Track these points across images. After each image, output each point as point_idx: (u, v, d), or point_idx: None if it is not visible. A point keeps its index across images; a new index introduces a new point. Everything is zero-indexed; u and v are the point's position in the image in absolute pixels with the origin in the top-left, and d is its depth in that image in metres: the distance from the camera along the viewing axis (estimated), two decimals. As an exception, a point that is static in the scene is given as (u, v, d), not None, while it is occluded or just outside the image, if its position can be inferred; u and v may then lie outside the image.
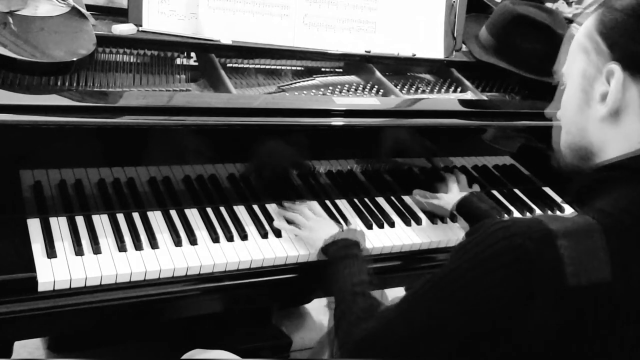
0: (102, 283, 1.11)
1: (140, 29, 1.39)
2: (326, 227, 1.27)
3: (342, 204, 1.46)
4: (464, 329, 0.75)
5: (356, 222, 1.40)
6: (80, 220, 1.21)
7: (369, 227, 1.40)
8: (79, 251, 1.13)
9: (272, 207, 1.39)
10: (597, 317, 0.70)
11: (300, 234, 1.29)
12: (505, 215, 1.58)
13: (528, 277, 0.70)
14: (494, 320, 0.72)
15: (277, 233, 1.31)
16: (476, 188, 1.53)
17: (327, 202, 1.45)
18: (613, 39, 0.79)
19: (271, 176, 1.38)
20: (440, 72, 1.78)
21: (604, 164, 0.81)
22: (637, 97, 0.77)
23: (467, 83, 1.71)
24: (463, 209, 1.40)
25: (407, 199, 1.54)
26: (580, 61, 0.83)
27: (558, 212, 1.66)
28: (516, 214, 1.60)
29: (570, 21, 1.82)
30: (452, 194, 1.46)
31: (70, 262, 1.11)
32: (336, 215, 1.41)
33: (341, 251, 1.17)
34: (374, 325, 0.89)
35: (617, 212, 0.74)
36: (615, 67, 0.77)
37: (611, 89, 0.78)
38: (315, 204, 1.37)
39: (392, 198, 1.53)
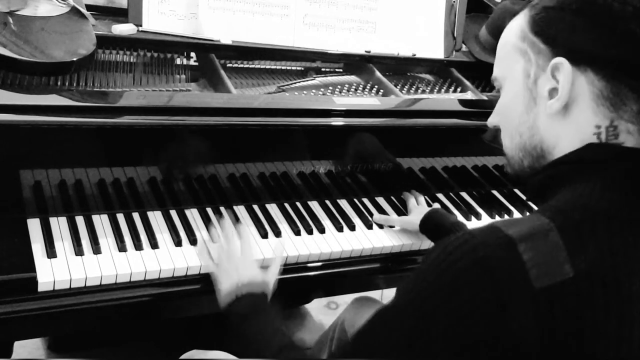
0: (102, 283, 1.11)
1: (140, 29, 1.39)
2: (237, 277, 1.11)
3: (342, 204, 1.46)
4: (442, 351, 0.72)
5: (356, 222, 1.40)
6: (80, 220, 1.21)
7: (369, 227, 1.40)
8: (79, 251, 1.13)
9: (272, 207, 1.39)
10: (571, 314, 0.69)
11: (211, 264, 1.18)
12: (497, 219, 1.59)
13: (497, 288, 0.68)
14: (470, 338, 0.70)
15: (276, 233, 1.31)
16: (436, 206, 1.48)
17: (327, 202, 1.45)
18: (551, 35, 0.80)
19: (271, 176, 1.38)
20: (440, 72, 1.78)
21: (553, 160, 0.82)
22: (587, 88, 0.78)
23: (467, 83, 1.71)
24: (426, 227, 1.36)
25: (407, 199, 1.54)
26: (519, 62, 0.84)
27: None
28: (516, 214, 1.61)
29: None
30: (414, 214, 1.42)
31: (70, 262, 1.11)
32: (336, 216, 1.41)
33: (247, 308, 1.06)
34: None
35: (569, 208, 0.74)
36: (562, 61, 0.78)
37: (561, 83, 0.78)
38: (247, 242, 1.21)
39: (392, 198, 1.53)
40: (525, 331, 0.68)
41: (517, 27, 0.86)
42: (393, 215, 1.46)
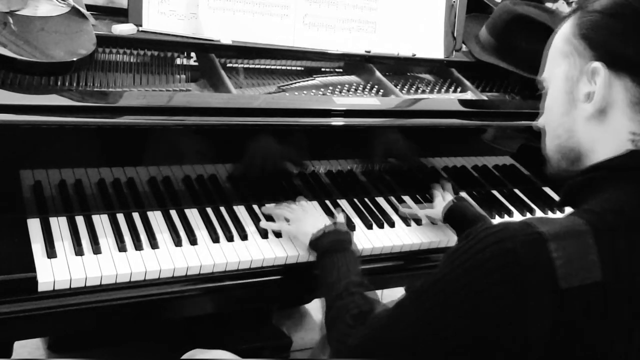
0: (102, 283, 1.11)
1: (140, 29, 1.39)
2: (313, 219, 1.25)
3: (342, 204, 1.46)
4: (460, 334, 0.74)
5: (356, 222, 1.40)
6: (80, 220, 1.21)
7: (369, 227, 1.40)
8: (79, 251, 1.13)
9: (272, 207, 1.39)
10: (591, 318, 0.70)
11: (286, 227, 1.27)
12: (497, 219, 1.59)
13: (520, 281, 0.70)
14: (490, 325, 0.72)
15: (278, 233, 1.31)
16: (461, 193, 1.52)
17: (327, 202, 1.45)
18: (593, 39, 0.81)
19: (271, 176, 1.38)
20: (440, 72, 1.78)
21: (592, 165, 0.82)
22: (623, 94, 0.79)
23: (467, 83, 1.71)
24: (450, 218, 1.39)
25: (407, 199, 1.54)
26: (562, 65, 0.85)
27: (558, 212, 1.66)
28: (516, 214, 1.61)
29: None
30: (440, 204, 1.44)
31: (70, 262, 1.11)
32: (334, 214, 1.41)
33: (332, 245, 1.15)
34: (366, 333, 0.88)
35: (605, 213, 0.75)
36: (599, 66, 0.79)
37: (597, 87, 0.79)
38: (302, 200, 1.35)
39: (392, 198, 1.53)
40: (540, 326, 0.69)
41: (564, 30, 0.87)
42: (416, 209, 1.47)
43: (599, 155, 0.82)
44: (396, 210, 1.49)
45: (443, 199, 1.47)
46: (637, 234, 0.73)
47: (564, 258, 0.70)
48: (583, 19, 0.83)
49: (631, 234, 0.73)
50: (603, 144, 0.81)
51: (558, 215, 1.62)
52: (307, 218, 1.26)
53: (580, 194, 0.83)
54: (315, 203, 1.42)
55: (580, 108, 0.82)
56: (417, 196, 1.56)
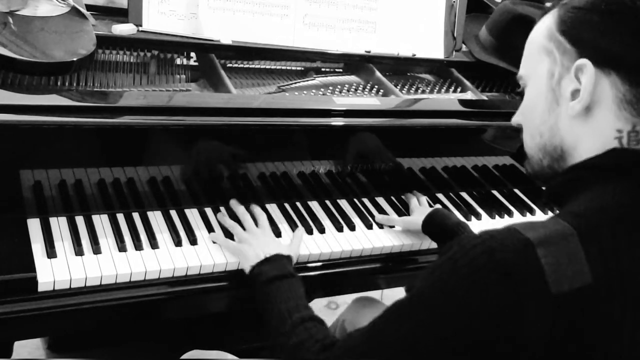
0: (102, 283, 1.11)
1: (140, 29, 1.39)
2: (261, 247, 1.18)
3: (342, 204, 1.46)
4: (459, 337, 0.73)
5: (356, 222, 1.40)
6: (80, 220, 1.21)
7: (369, 227, 1.40)
8: (79, 251, 1.13)
9: (271, 207, 1.39)
10: (588, 321, 0.69)
11: (234, 245, 1.22)
12: (497, 219, 1.58)
13: (513, 290, 0.68)
14: (487, 330, 0.70)
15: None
16: (438, 206, 1.47)
17: (327, 202, 1.45)
18: (577, 36, 0.80)
19: (271, 176, 1.38)
20: (440, 72, 1.78)
21: (574, 165, 0.81)
22: (609, 91, 0.77)
23: (467, 83, 1.71)
24: (429, 227, 1.35)
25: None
26: (544, 62, 0.83)
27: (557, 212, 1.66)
28: (516, 214, 1.61)
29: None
30: (416, 215, 1.41)
31: (70, 262, 1.11)
32: (336, 216, 1.41)
33: (274, 270, 1.11)
34: (340, 354, 0.85)
35: (589, 213, 0.74)
36: (586, 63, 0.78)
37: (584, 85, 0.78)
38: (262, 216, 1.30)
39: (392, 198, 1.53)
40: (537, 334, 0.68)
41: (544, 26, 0.85)
42: (394, 216, 1.45)
43: (583, 153, 0.80)
44: (396, 210, 1.49)
45: (419, 203, 1.46)
46: (623, 233, 0.72)
47: (554, 263, 0.69)
48: (567, 15, 0.81)
49: (617, 233, 0.72)
50: (587, 142, 0.80)
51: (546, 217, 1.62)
52: (258, 243, 1.19)
53: (563, 194, 0.82)
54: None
55: (564, 106, 0.81)
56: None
